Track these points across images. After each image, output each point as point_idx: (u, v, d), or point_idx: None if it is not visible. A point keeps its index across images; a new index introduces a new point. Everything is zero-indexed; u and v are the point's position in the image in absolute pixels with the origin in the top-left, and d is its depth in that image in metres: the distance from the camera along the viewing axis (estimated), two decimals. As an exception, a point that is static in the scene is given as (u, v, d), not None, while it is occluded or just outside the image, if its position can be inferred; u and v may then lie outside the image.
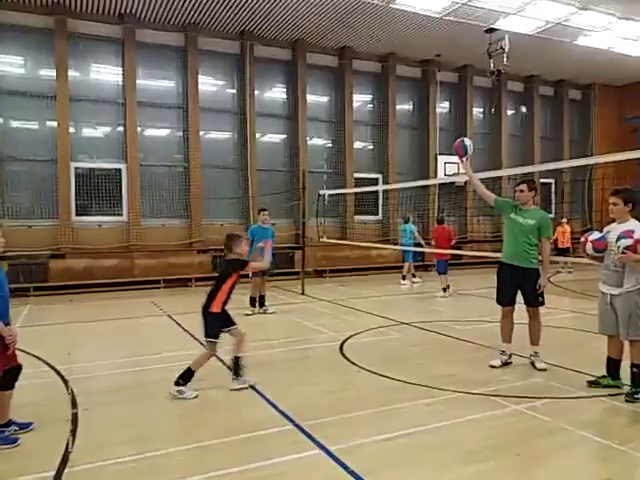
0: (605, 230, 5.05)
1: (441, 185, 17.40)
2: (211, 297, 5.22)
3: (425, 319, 8.85)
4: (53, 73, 13.16)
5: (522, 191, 5.86)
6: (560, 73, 19.93)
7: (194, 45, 14.57)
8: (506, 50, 13.57)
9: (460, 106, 18.83)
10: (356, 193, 16.00)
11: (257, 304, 9.74)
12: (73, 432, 4.21)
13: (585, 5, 13.23)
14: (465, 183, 16.21)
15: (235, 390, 5.18)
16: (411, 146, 18.17)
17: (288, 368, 6.17)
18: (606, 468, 3.64)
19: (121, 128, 14.06)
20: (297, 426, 4.27)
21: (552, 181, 20.20)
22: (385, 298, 11.77)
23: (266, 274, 9.43)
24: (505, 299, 5.93)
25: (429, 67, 17.88)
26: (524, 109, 19.98)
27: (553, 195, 20.31)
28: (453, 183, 17.07)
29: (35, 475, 3.51)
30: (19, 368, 4.14)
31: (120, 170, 14.06)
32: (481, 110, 19.54)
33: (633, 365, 4.81)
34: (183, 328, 8.38)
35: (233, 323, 5.31)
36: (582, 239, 5.08)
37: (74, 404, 4.85)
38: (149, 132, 14.61)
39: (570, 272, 15.77)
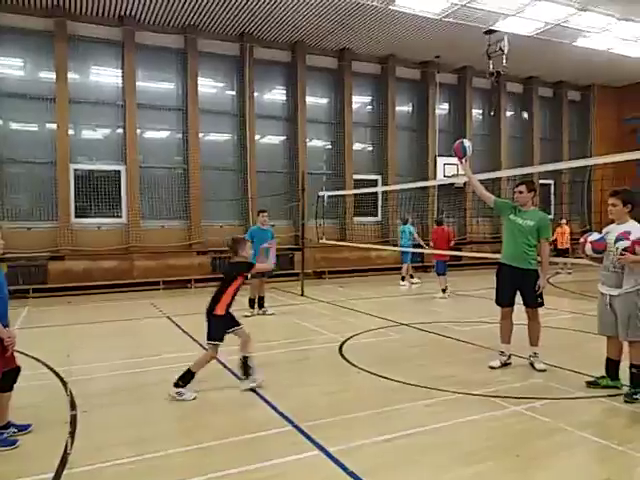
0: (604, 231, 5.06)
1: (440, 186, 17.40)
2: (216, 299, 5.22)
3: (424, 320, 8.85)
4: (53, 75, 13.17)
5: (521, 192, 5.86)
6: (559, 74, 19.95)
7: (194, 47, 14.58)
8: (505, 51, 13.59)
9: (459, 107, 18.85)
10: (355, 194, 16.00)
11: (256, 305, 9.73)
12: (72, 434, 4.21)
13: (584, 6, 13.25)
14: (464, 184, 16.21)
15: (246, 390, 5.19)
16: (410, 147, 18.18)
17: (287, 369, 6.17)
18: (605, 468, 3.64)
19: (121, 130, 14.07)
20: (296, 427, 4.27)
21: (551, 182, 20.21)
22: (384, 299, 11.77)
23: (265, 275, 9.42)
24: (504, 300, 5.93)
25: (428, 68, 17.90)
26: (525, 115, 19.86)
27: (552, 196, 20.32)
28: (452, 184, 17.07)
29: (34, 477, 3.51)
30: (18, 370, 4.14)
31: (119, 172, 14.06)
32: (480, 111, 19.55)
33: (632, 366, 4.81)
34: (182, 330, 8.38)
35: (238, 324, 5.33)
36: (581, 240, 5.08)
37: (73, 406, 4.85)
38: (149, 134, 14.62)
39: (569, 273, 15.78)
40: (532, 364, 5.85)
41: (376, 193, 16.94)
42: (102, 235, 13.84)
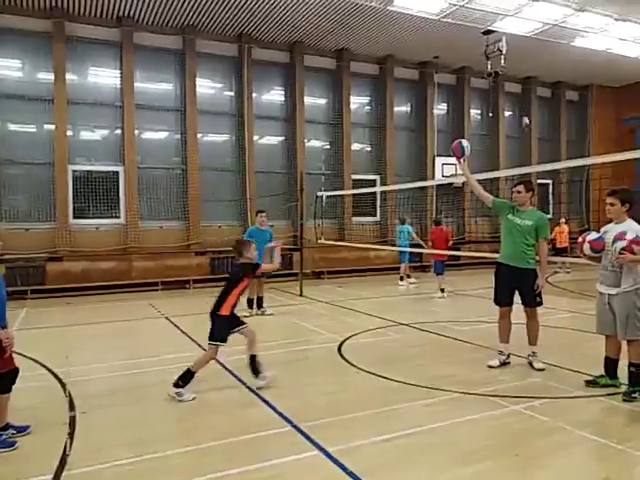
0: (602, 230, 5.07)
1: (439, 186, 17.40)
2: (221, 300, 5.22)
3: (423, 320, 8.86)
4: (51, 76, 13.16)
5: (519, 192, 5.88)
6: (557, 74, 19.98)
7: (192, 48, 14.58)
8: (503, 52, 13.60)
9: (458, 108, 18.86)
10: (354, 195, 16.00)
11: (255, 306, 9.73)
12: (71, 435, 4.20)
13: (582, 6, 13.27)
14: (463, 184, 16.23)
15: (260, 388, 5.20)
16: (409, 148, 18.19)
17: (286, 369, 6.15)
18: (604, 467, 3.65)
19: (119, 131, 14.06)
20: (296, 427, 4.27)
21: (550, 182, 20.23)
22: (383, 299, 11.77)
23: (264, 275, 9.42)
24: (503, 299, 5.94)
25: (427, 69, 17.91)
26: (526, 120, 19.68)
27: (551, 196, 20.34)
28: (451, 184, 17.08)
29: (33, 478, 3.50)
30: (16, 371, 4.12)
31: (118, 173, 14.05)
32: (479, 111, 19.57)
33: (631, 364, 4.82)
34: (181, 330, 8.38)
35: (242, 323, 5.35)
36: (580, 239, 5.09)
37: (72, 407, 4.84)
38: (147, 135, 14.61)
39: (568, 272, 15.80)
40: (531, 363, 5.85)
41: (375, 193, 16.95)
42: (100, 236, 13.83)
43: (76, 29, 13.43)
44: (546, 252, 5.90)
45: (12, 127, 13.19)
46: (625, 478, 3.55)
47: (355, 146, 17.14)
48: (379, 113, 17.49)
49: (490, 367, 5.88)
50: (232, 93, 15.51)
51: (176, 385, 5.00)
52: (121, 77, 13.94)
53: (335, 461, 3.66)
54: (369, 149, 17.65)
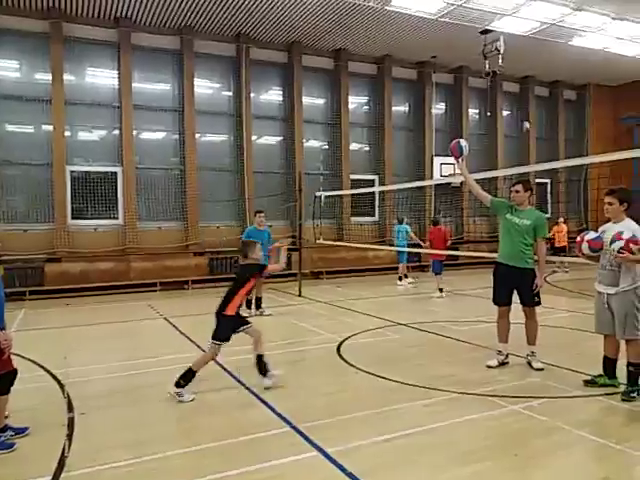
0: (600, 230, 5.07)
1: (437, 186, 17.42)
2: (227, 300, 5.23)
3: (422, 320, 8.86)
4: (49, 77, 13.14)
5: (518, 192, 5.88)
6: (555, 74, 19.99)
7: (190, 48, 14.56)
8: (501, 51, 13.63)
9: (456, 107, 18.87)
10: (352, 195, 16.00)
11: (254, 306, 9.73)
12: (69, 436, 4.20)
13: (579, 6, 13.28)
14: (461, 184, 16.24)
15: (268, 388, 5.21)
16: (407, 147, 18.19)
17: (285, 370, 6.12)
18: (603, 467, 3.65)
19: (117, 131, 14.04)
20: (294, 428, 4.27)
21: (548, 181, 20.25)
22: (382, 299, 11.77)
23: (262, 276, 9.40)
24: (501, 299, 5.94)
25: (425, 69, 17.92)
26: (527, 125, 19.59)
27: (549, 195, 20.36)
28: (449, 184, 17.09)
29: (31, 480, 3.50)
30: (15, 372, 4.12)
31: (116, 173, 14.03)
32: (477, 111, 19.58)
33: (629, 364, 4.83)
34: (180, 331, 8.37)
35: (247, 322, 5.36)
36: (578, 239, 5.09)
37: (70, 408, 4.83)
38: (145, 135, 14.59)
39: (566, 272, 15.81)
40: (529, 363, 5.86)
41: (373, 193, 16.94)
42: (99, 237, 13.81)
43: (73, 30, 13.40)
44: (544, 251, 5.91)
45: (10, 128, 13.16)
46: (624, 478, 3.56)
47: (353, 146, 17.14)
48: (377, 113, 17.49)
49: (489, 367, 5.88)
50: (230, 93, 15.50)
51: (177, 384, 5.00)
52: (119, 77, 13.92)
53: (334, 462, 3.66)
54: (367, 149, 17.65)
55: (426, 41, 15.68)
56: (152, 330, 8.94)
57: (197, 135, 14.83)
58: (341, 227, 16.49)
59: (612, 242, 4.69)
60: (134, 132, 14.06)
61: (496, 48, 13.71)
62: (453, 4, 12.95)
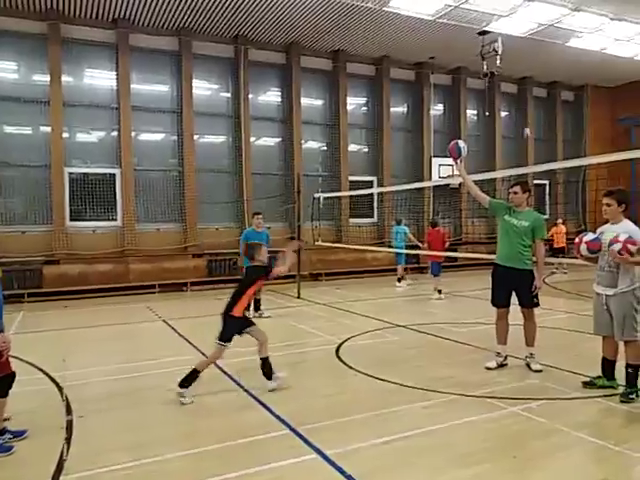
0: (598, 231, 5.07)
1: (436, 187, 17.42)
2: (234, 301, 5.25)
3: (421, 321, 8.86)
4: (47, 78, 13.13)
5: (516, 193, 5.89)
6: (553, 75, 20.03)
7: (188, 49, 14.56)
8: (499, 52, 13.64)
9: (454, 108, 18.90)
10: (351, 196, 16.01)
11: (252, 308, 9.71)
12: (68, 439, 4.19)
13: (577, 7, 13.31)
14: (459, 185, 16.21)
15: (272, 390, 5.22)
16: (405, 148, 18.21)
17: (284, 372, 6.15)
18: (602, 469, 3.65)
19: (115, 133, 14.03)
20: (294, 430, 4.26)
21: (546, 182, 20.28)
22: (381, 301, 11.77)
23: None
24: (500, 301, 5.95)
25: (423, 70, 17.94)
26: (527, 131, 19.57)
27: (547, 196, 20.38)
28: (448, 185, 17.09)
29: (30, 483, 3.50)
30: (13, 375, 4.11)
31: (114, 175, 14.02)
32: (475, 112, 19.60)
33: (628, 365, 4.83)
34: (178, 333, 8.36)
35: (252, 324, 5.39)
36: (576, 240, 5.09)
37: (69, 411, 4.83)
38: (143, 137, 14.58)
39: (565, 273, 15.83)
40: (528, 365, 5.86)
41: (372, 194, 16.93)
42: (97, 238, 13.79)
43: (72, 31, 13.40)
44: (543, 253, 5.92)
45: (8, 129, 13.14)
46: (623, 479, 3.56)
47: (352, 147, 17.15)
48: (376, 114, 17.51)
49: (487, 369, 5.88)
50: (228, 94, 15.51)
51: (182, 385, 5.01)
52: (117, 79, 13.92)
53: (333, 464, 3.66)
54: (366, 150, 17.66)
55: (424, 42, 15.70)
56: (151, 332, 8.92)
57: (195, 136, 14.83)
58: (340, 229, 16.49)
59: (610, 245, 4.69)
60: (132, 133, 14.05)
61: (494, 49, 13.72)
62: (451, 5, 12.97)
